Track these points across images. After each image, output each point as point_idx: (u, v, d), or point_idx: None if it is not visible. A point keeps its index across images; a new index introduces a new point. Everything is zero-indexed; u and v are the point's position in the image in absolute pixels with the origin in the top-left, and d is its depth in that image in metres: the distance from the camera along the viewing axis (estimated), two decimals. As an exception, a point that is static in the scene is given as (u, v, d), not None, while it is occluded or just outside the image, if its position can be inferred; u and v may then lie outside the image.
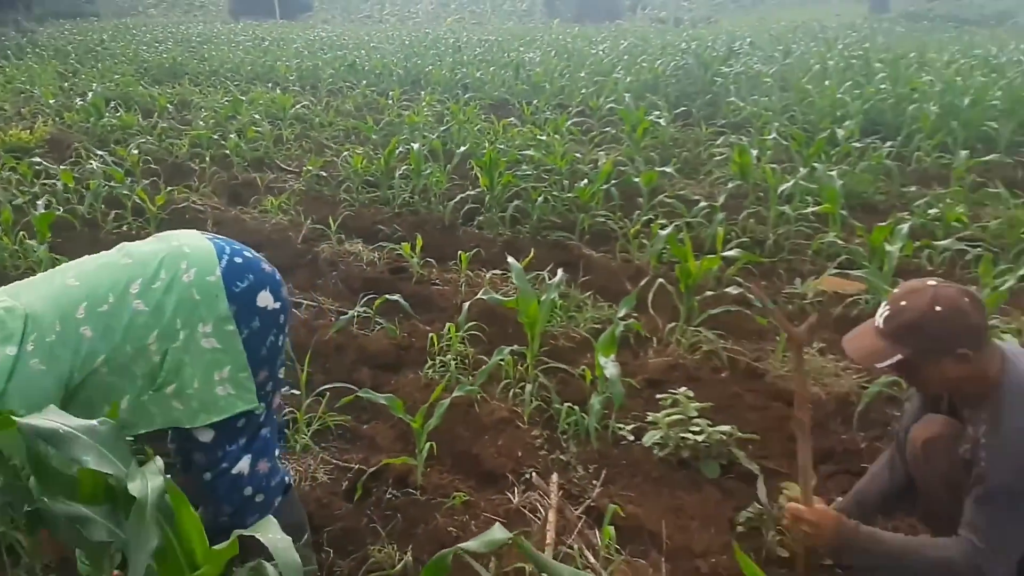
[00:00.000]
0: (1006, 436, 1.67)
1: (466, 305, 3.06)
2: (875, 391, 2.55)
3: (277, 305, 1.67)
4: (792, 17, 25.26)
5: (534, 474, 2.26)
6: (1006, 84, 7.37)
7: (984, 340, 1.74)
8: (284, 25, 24.57)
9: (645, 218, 4.63)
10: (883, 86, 7.96)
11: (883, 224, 3.30)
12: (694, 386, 2.91)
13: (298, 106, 8.24)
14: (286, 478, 1.77)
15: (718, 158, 6.02)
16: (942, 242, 3.48)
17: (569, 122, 7.39)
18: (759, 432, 2.62)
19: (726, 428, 2.41)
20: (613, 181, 4.84)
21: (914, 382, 1.94)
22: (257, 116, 7.38)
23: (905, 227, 3.43)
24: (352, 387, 2.52)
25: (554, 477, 2.20)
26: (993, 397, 1.72)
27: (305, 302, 3.62)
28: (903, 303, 1.75)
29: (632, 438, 2.51)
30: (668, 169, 5.62)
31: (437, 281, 4.01)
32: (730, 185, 5.20)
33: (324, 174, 5.73)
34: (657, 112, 7.51)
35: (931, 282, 1.79)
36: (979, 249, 3.52)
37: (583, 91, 9.40)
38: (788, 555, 2.00)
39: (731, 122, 7.89)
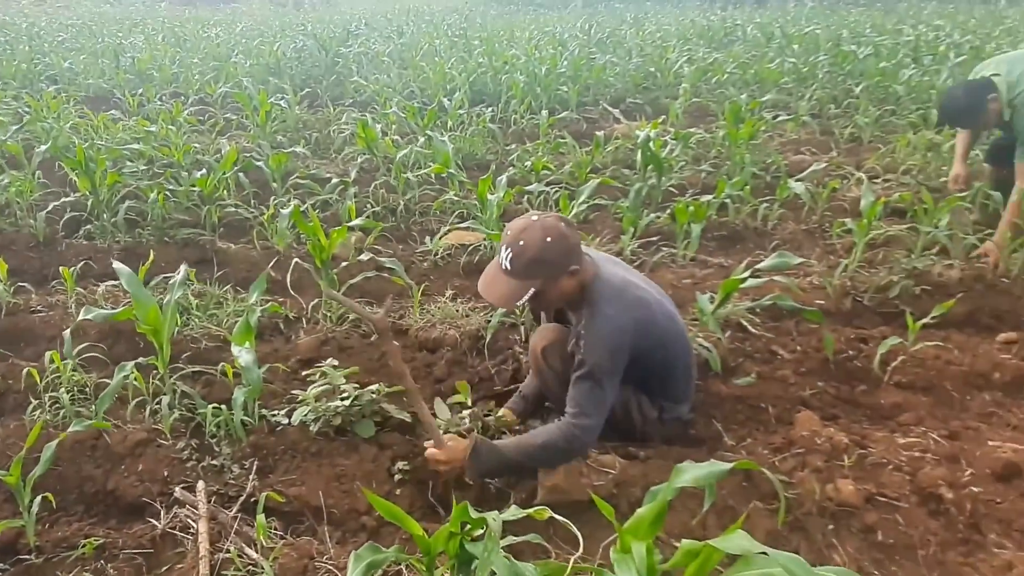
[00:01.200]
0: (599, 325, 1.98)
1: (67, 333, 2.58)
2: (496, 323, 2.84)
3: None
4: (406, 3, 26.38)
5: (178, 490, 2.03)
6: (569, 55, 8.72)
7: (581, 253, 2.02)
8: None
9: (278, 202, 4.43)
10: (481, 60, 8.77)
11: (484, 177, 3.64)
12: (346, 355, 2.92)
13: None
14: None
15: (346, 135, 6.02)
16: (531, 187, 3.99)
17: (187, 111, 6.68)
18: (409, 383, 2.74)
19: (374, 387, 2.45)
20: (236, 168, 4.50)
21: (541, 305, 2.20)
22: None
23: (504, 178, 3.84)
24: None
25: (200, 486, 2.00)
26: (589, 297, 2.03)
27: None
28: (521, 243, 1.92)
29: (287, 421, 2.41)
30: (298, 150, 5.46)
31: (38, 307, 3.31)
32: (360, 160, 5.26)
33: None
34: (281, 95, 7.20)
35: (533, 217, 1.98)
36: (559, 188, 4.13)
37: (199, 78, 8.56)
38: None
39: (357, 100, 7.96)
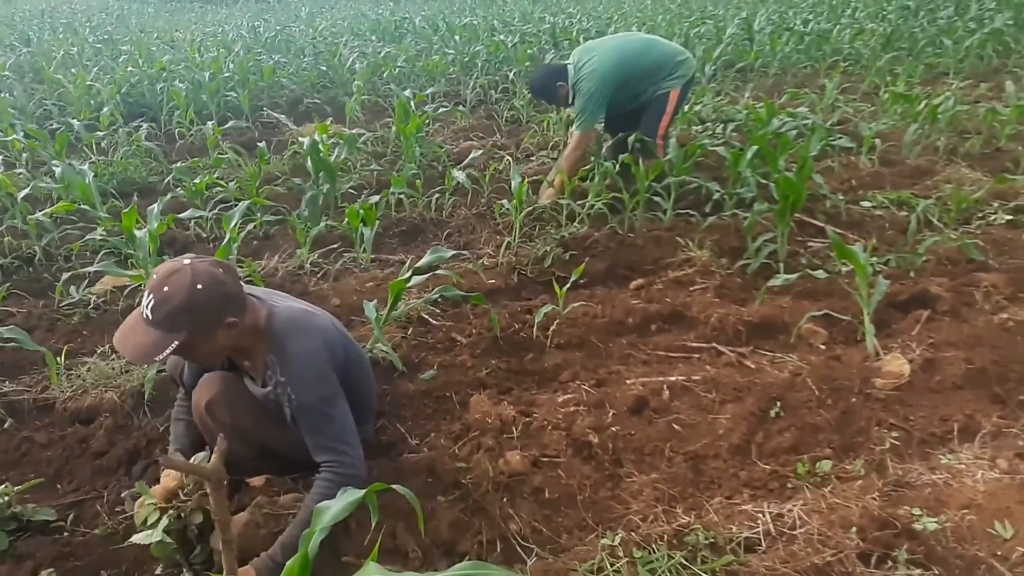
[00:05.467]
0: (296, 361, 1.79)
1: None
2: (154, 374, 2.49)
3: None
4: (38, 3, 22.02)
5: None
6: (235, 57, 8.06)
7: (245, 302, 1.78)
8: None
9: None
10: (131, 68, 7.69)
11: (128, 209, 3.16)
12: (-34, 456, 2.33)
13: None
14: None
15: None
16: (184, 213, 3.54)
17: None
18: (59, 468, 2.29)
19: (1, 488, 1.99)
20: None
21: (194, 359, 1.91)
22: None
23: (155, 207, 3.37)
24: None
25: None
26: (270, 342, 1.82)
27: None
28: (166, 289, 1.65)
29: None
30: None
31: None
32: (-27, 203, 4.25)
33: None
34: None
35: (185, 260, 1.71)
36: (220, 210, 3.77)
37: None
38: None
39: (-30, 128, 6.42)
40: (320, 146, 4.04)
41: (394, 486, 1.39)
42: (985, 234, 3.56)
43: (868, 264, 2.59)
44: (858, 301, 2.61)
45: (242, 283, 1.81)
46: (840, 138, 4.45)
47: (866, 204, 3.97)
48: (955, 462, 1.94)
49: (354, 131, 4.73)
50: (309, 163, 4.02)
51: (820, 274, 2.76)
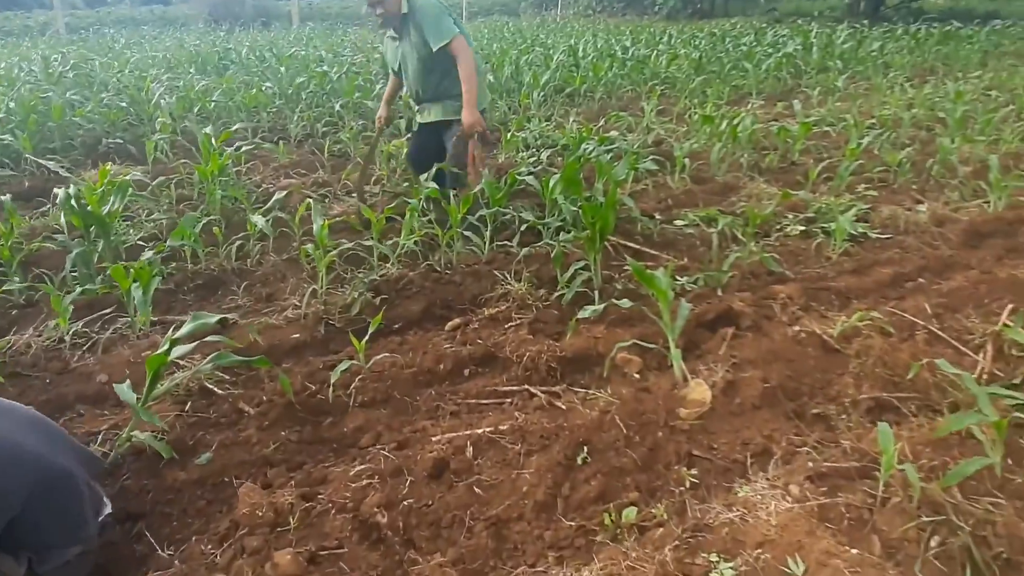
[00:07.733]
0: None
1: None
2: None
3: None
4: None
5: None
6: (16, 94, 7.06)
7: None
8: None
9: None
10: None
11: None
12: None
13: None
14: None
15: None
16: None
17: None
18: None
19: None
20: None
21: None
22: None
23: None
24: None
25: None
26: None
27: None
28: None
29: None
30: None
31: None
32: None
33: None
34: None
35: None
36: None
37: None
38: None
39: None
40: (84, 197, 3.50)
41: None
42: (783, 245, 3.74)
43: (670, 289, 2.55)
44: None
45: None
46: (647, 160, 4.56)
47: (679, 223, 4.07)
48: (751, 494, 1.88)
49: (133, 175, 4.18)
50: (62, 216, 3.48)
51: (625, 303, 2.69)
